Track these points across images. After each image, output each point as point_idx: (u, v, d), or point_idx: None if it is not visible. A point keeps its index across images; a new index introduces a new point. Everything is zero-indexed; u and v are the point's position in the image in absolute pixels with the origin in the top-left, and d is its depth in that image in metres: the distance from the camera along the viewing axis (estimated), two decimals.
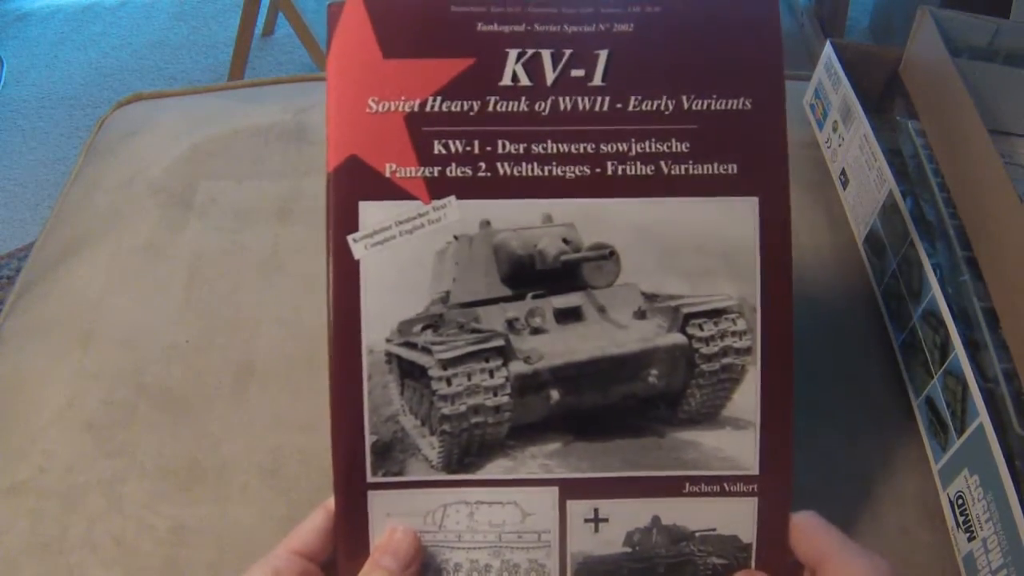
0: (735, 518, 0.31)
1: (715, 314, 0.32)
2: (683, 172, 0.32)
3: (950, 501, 0.36)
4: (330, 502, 0.32)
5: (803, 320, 0.44)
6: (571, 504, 0.31)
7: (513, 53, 0.32)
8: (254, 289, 0.46)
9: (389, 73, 0.32)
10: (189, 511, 0.37)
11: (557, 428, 0.32)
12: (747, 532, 0.31)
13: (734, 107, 0.32)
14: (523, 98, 0.32)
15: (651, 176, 0.31)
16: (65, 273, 0.49)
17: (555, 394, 0.32)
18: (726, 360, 0.32)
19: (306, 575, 0.30)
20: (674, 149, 0.32)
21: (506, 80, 0.32)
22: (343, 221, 0.31)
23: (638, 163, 0.32)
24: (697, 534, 0.32)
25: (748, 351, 0.31)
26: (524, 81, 0.32)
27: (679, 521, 0.31)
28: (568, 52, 0.32)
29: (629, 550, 0.31)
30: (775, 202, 0.33)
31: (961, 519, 0.35)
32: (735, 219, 0.32)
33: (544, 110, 0.32)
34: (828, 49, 0.52)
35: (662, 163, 0.32)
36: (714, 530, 0.32)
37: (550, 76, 0.32)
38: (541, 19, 0.33)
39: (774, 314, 0.31)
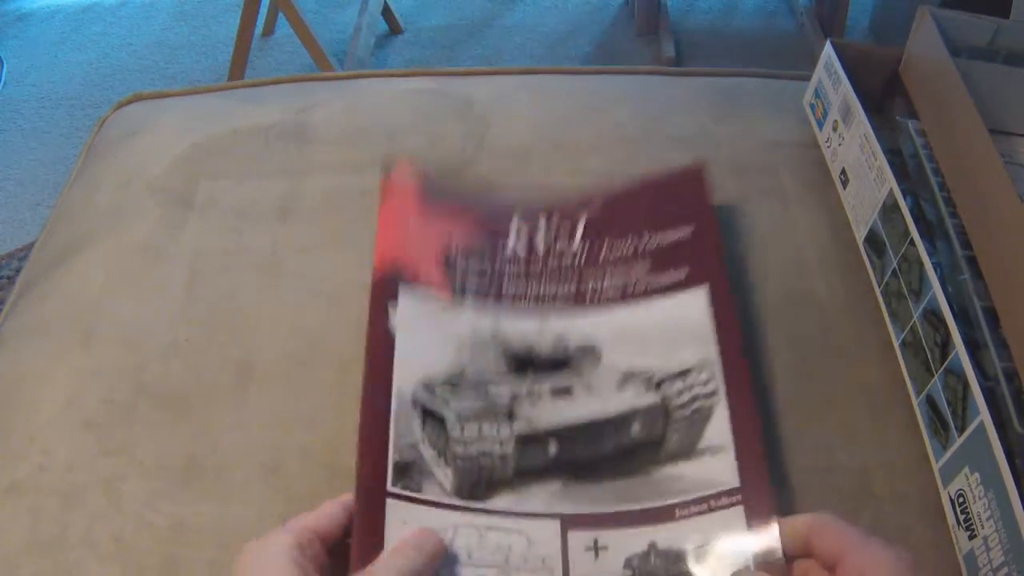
0: (726, 529, 0.33)
1: (683, 374, 0.38)
2: (646, 284, 0.42)
3: (951, 499, 0.36)
4: (347, 497, 0.33)
5: (804, 319, 0.44)
6: (572, 535, 0.34)
7: (517, 215, 0.45)
8: (254, 288, 0.46)
9: (427, 212, 0.44)
10: (189, 509, 0.37)
11: (556, 472, 0.36)
12: (739, 539, 0.33)
13: (681, 235, 0.43)
14: (523, 242, 0.43)
15: (622, 290, 0.41)
16: (65, 272, 0.49)
17: (553, 448, 0.36)
18: (696, 405, 0.37)
19: (319, 557, 0.30)
20: (637, 270, 0.42)
21: (512, 231, 0.44)
22: (385, 294, 0.40)
23: (611, 284, 0.42)
24: (693, 551, 0.33)
25: (714, 393, 0.37)
26: (524, 232, 0.44)
27: (674, 544, 0.33)
28: (557, 216, 0.45)
29: (629, 573, 0.33)
30: (720, 286, 0.41)
31: (962, 517, 0.35)
32: (691, 304, 0.40)
33: (539, 251, 0.43)
34: (828, 49, 0.52)
35: (629, 280, 0.42)
36: (708, 544, 0.33)
37: (543, 229, 0.44)
38: (537, 197, 0.45)
39: (731, 360, 0.38)
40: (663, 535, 0.33)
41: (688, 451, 0.36)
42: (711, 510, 0.34)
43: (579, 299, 0.42)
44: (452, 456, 0.36)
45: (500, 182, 0.51)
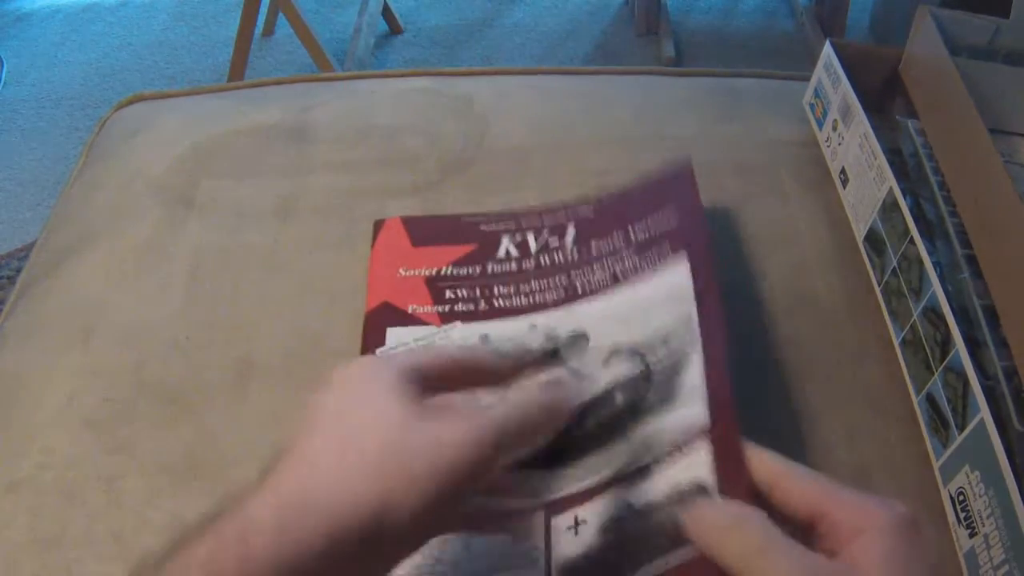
0: (693, 466, 0.32)
1: (665, 339, 0.37)
2: (634, 267, 0.41)
3: (951, 497, 0.36)
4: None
5: (804, 319, 0.44)
6: (555, 520, 0.33)
7: (506, 238, 0.44)
8: (254, 287, 0.46)
9: (415, 254, 0.44)
10: (189, 507, 0.37)
11: (542, 464, 0.35)
12: (707, 473, 0.32)
13: (667, 217, 0.42)
14: (513, 262, 0.43)
15: (611, 279, 0.41)
16: (66, 271, 0.49)
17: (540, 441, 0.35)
18: (675, 358, 0.36)
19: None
20: (626, 258, 0.42)
21: (501, 254, 0.44)
22: (373, 340, 0.40)
23: (599, 277, 0.41)
24: (665, 499, 0.32)
25: (690, 342, 0.36)
26: (514, 253, 0.44)
27: (648, 497, 0.32)
28: (546, 232, 0.45)
29: (603, 540, 0.32)
30: (700, 250, 0.40)
31: (962, 515, 0.35)
32: (672, 271, 0.40)
33: (530, 267, 0.43)
34: (828, 49, 0.52)
35: (619, 269, 0.41)
36: (679, 485, 0.32)
37: (533, 247, 0.44)
38: (526, 217, 0.46)
39: (708, 310, 0.37)
40: (638, 492, 0.33)
41: (666, 402, 0.35)
42: (682, 454, 0.33)
43: (570, 295, 0.41)
44: None
45: (498, 185, 0.51)
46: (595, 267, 0.42)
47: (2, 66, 1.81)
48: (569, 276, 0.42)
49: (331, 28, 1.85)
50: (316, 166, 0.53)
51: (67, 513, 0.37)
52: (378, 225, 0.46)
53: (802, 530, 0.26)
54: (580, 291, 0.41)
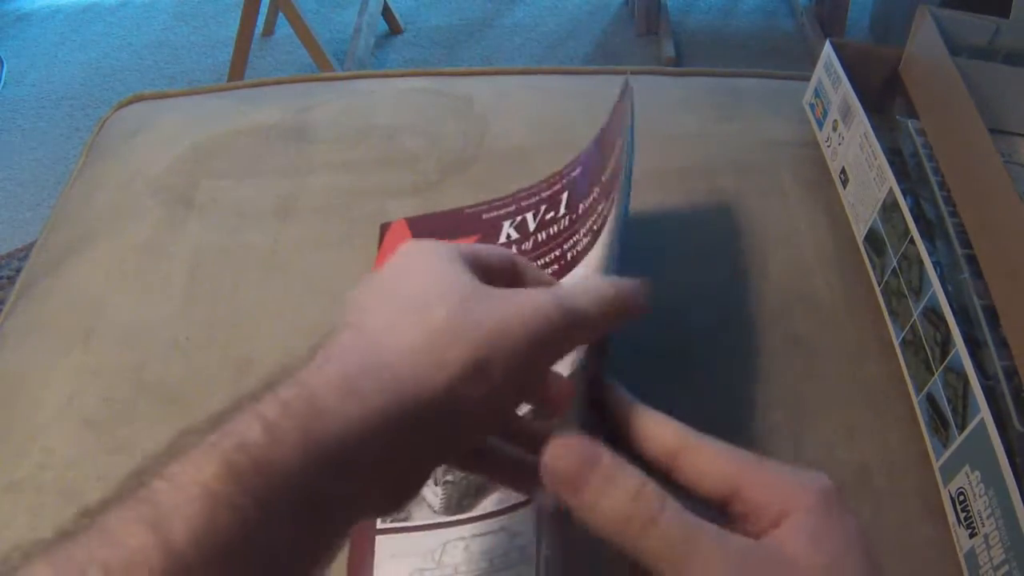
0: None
1: None
2: (605, 216, 0.39)
3: (951, 497, 0.36)
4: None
5: (804, 319, 0.44)
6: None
7: (507, 223, 0.45)
8: (254, 287, 0.46)
9: None
10: None
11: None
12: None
13: (617, 151, 0.41)
14: (513, 247, 0.44)
15: (592, 240, 0.40)
16: (66, 271, 0.49)
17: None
18: None
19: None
20: (600, 210, 0.40)
21: (502, 240, 0.44)
22: None
23: (585, 240, 0.41)
24: None
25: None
26: (515, 236, 0.44)
27: None
28: (543, 207, 0.45)
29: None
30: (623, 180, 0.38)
31: (962, 515, 0.35)
32: (614, 205, 0.39)
33: (528, 248, 0.44)
34: (828, 49, 0.52)
35: (596, 225, 0.41)
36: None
37: (532, 226, 0.44)
38: (525, 197, 0.46)
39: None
40: None
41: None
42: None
43: (563, 268, 0.41)
44: (442, 473, 0.35)
45: (498, 185, 0.51)
46: (581, 231, 0.42)
47: (2, 66, 1.82)
48: (562, 248, 0.42)
49: (331, 28, 1.85)
50: (316, 166, 0.53)
51: (67, 513, 0.37)
52: (384, 228, 0.46)
53: (714, 508, 0.23)
54: (570, 259, 0.41)
